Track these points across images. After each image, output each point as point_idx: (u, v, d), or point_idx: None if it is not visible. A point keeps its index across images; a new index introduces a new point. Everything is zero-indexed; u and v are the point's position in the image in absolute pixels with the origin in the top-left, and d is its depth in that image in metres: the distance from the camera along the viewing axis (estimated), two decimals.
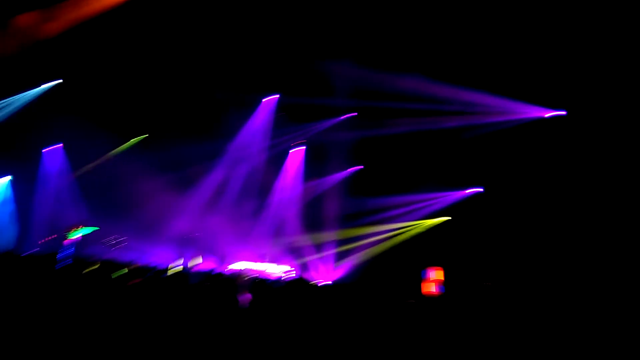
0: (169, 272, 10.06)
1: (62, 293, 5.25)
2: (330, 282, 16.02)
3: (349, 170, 17.67)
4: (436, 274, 12.94)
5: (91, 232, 13.63)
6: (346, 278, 16.54)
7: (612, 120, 12.70)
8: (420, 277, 13.59)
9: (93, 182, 15.61)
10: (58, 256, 6.82)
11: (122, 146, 16.42)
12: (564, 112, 13.88)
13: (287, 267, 15.81)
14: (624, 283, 11.52)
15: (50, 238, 14.21)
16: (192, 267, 13.52)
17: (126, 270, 6.96)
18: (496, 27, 12.66)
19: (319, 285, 13.46)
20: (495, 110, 14.43)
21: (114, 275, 6.56)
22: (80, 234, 13.56)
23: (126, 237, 14.73)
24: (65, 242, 12.42)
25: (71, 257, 10.79)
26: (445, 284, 12.67)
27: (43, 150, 15.73)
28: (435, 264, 13.27)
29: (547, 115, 13.92)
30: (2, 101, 13.89)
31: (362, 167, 17.64)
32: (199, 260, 14.39)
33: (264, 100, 16.99)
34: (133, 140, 16.60)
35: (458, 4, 12.51)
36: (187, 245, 15.15)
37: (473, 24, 12.82)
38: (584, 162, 13.31)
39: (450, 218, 16.42)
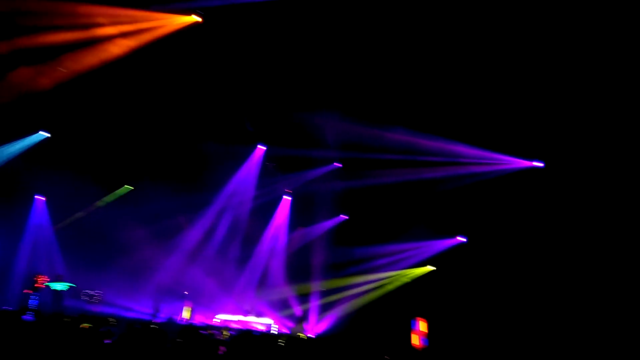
0: (150, 326, 9.83)
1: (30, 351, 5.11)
2: (314, 335, 15.72)
3: (334, 220, 17.74)
4: (421, 326, 12.78)
5: (66, 288, 13.35)
6: (331, 330, 16.25)
7: (591, 171, 13.07)
8: (410, 328, 13.40)
9: (75, 235, 15.39)
10: (25, 311, 6.67)
11: (106, 197, 16.34)
12: (542, 164, 14.27)
13: (270, 321, 15.51)
14: (609, 329, 11.57)
15: (25, 292, 13.83)
16: (174, 320, 13.21)
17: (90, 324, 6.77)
18: (478, 80, 13.12)
19: (303, 338, 13.20)
20: (477, 162, 14.77)
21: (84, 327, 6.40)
22: (55, 288, 13.27)
23: (101, 291, 14.41)
24: (35, 295, 12.17)
25: (35, 311, 10.50)
26: (429, 336, 12.51)
27: (25, 203, 15.59)
28: (420, 314, 13.15)
29: (538, 165, 14.23)
30: None
31: (347, 217, 17.74)
32: (185, 312, 14.14)
33: (250, 151, 17.19)
34: (118, 191, 16.56)
35: (441, 59, 12.99)
36: (169, 297, 14.88)
37: (456, 77, 13.27)
38: (564, 212, 13.56)
39: (434, 268, 16.43)
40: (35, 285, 12.16)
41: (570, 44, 11.66)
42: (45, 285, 12.47)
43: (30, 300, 12.30)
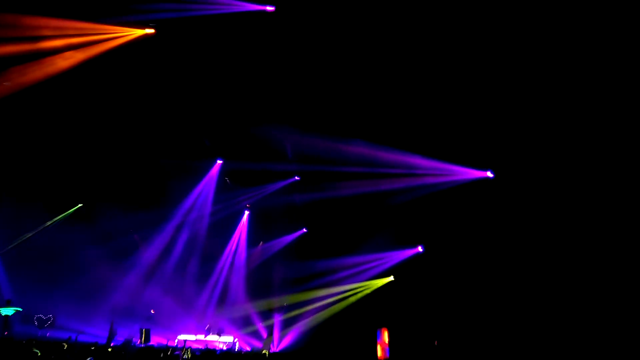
0: (106, 350, 9.45)
1: None
2: (277, 350, 15.52)
3: (294, 234, 17.66)
4: (384, 337, 12.81)
5: (14, 313, 12.65)
6: (295, 345, 16.08)
7: (540, 179, 13.57)
8: (375, 339, 13.37)
9: (23, 257, 14.59)
10: None
11: (57, 217, 15.63)
12: (491, 174, 14.72)
13: (231, 338, 15.20)
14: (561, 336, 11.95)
15: None
16: (132, 342, 12.72)
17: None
18: (434, 93, 13.41)
19: (267, 354, 13.01)
20: (432, 173, 15.06)
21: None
22: (2, 314, 12.55)
23: (52, 314, 13.77)
24: None
25: None
26: (392, 345, 12.55)
27: None
28: (382, 325, 13.17)
29: (489, 175, 14.59)
30: None
31: (305, 230, 17.69)
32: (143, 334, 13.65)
33: (207, 166, 16.91)
34: (69, 212, 15.87)
35: (397, 74, 13.23)
36: (126, 318, 14.33)
37: (412, 90, 13.53)
38: (517, 219, 13.98)
39: (392, 278, 16.57)
40: None
41: (520, 58, 12.13)
42: None
43: None
